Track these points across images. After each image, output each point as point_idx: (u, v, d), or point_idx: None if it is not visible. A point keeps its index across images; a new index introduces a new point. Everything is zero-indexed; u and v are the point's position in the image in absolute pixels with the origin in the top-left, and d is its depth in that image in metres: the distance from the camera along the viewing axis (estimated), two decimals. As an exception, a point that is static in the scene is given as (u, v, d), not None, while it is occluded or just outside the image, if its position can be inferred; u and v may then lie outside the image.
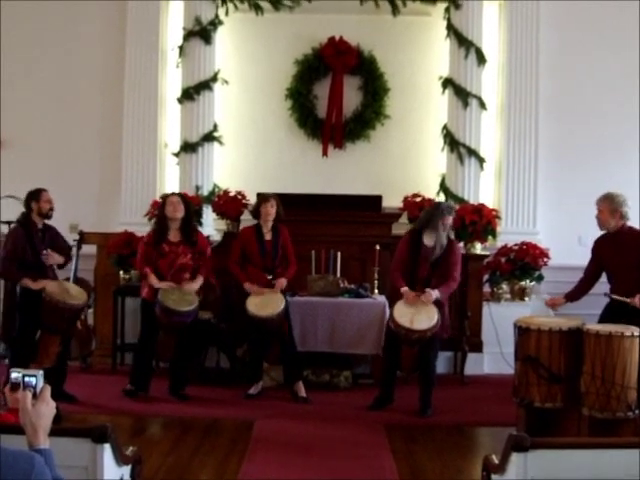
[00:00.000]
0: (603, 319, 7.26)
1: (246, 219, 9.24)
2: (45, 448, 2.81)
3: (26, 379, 2.90)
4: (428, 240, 7.85)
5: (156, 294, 7.96)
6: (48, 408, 2.87)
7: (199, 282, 8.15)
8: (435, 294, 7.68)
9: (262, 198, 8.42)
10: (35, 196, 7.82)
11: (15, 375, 2.93)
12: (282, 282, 8.27)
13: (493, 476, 3.84)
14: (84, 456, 3.50)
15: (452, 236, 8.11)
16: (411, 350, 7.77)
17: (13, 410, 2.91)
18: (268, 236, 8.35)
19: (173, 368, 8.37)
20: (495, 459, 3.82)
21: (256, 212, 8.44)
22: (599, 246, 7.54)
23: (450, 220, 7.95)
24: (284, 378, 8.57)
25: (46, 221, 7.91)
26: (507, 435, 3.61)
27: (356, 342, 8.71)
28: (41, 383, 2.91)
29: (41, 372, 2.94)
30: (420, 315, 7.56)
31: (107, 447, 3.53)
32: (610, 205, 7.29)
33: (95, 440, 3.49)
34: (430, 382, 7.83)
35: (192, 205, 8.63)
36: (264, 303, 8.08)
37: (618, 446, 3.61)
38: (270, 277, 8.28)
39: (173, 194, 8.43)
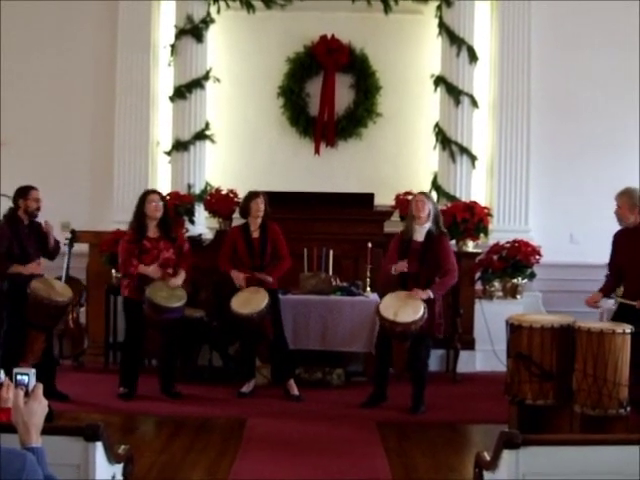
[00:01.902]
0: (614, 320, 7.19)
1: (238, 217, 9.23)
2: (37, 446, 2.82)
3: (18, 377, 2.90)
4: (417, 235, 7.86)
5: (140, 292, 7.93)
6: (40, 406, 2.87)
7: (182, 277, 8.12)
8: (425, 294, 7.65)
9: (251, 195, 8.39)
10: (23, 193, 7.80)
11: (2, 375, 2.94)
12: (265, 277, 8.23)
13: (485, 473, 3.85)
14: (76, 454, 3.49)
15: (444, 231, 8.06)
16: (403, 348, 7.76)
17: (5, 410, 2.91)
18: (255, 234, 8.31)
19: (162, 366, 8.36)
20: (487, 456, 3.82)
21: (245, 210, 8.39)
22: (617, 240, 7.50)
23: (423, 198, 7.93)
24: (273, 376, 8.58)
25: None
26: (499, 432, 3.61)
27: (348, 340, 8.71)
28: (33, 381, 2.92)
29: (33, 370, 2.95)
30: (405, 308, 7.54)
31: (99, 445, 3.52)
32: (629, 200, 7.24)
33: (87, 438, 3.48)
34: (422, 380, 7.83)
35: (169, 203, 8.62)
36: (247, 301, 8.06)
37: (609, 443, 3.62)
38: (257, 276, 8.25)
39: (153, 192, 8.37)
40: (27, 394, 2.88)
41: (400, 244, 7.93)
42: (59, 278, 8.43)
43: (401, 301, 7.63)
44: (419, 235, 7.86)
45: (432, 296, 7.67)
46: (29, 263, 7.75)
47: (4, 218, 7.89)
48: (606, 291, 7.66)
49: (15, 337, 7.60)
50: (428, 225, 7.87)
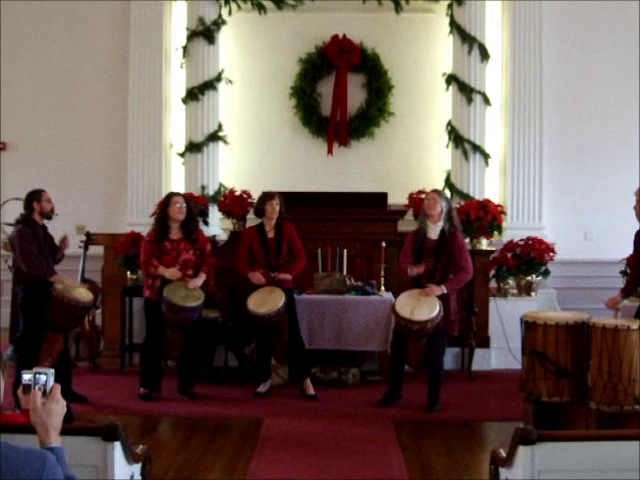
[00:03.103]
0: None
1: (252, 218, 9.26)
2: (57, 446, 2.84)
3: (37, 376, 2.92)
4: (431, 233, 7.87)
5: (160, 293, 7.99)
6: (58, 406, 2.89)
7: (202, 278, 8.16)
8: (439, 290, 7.68)
9: (266, 196, 8.42)
10: (36, 196, 7.82)
11: (27, 377, 2.95)
12: (283, 275, 8.26)
13: (501, 469, 3.86)
14: (95, 455, 3.51)
15: (459, 228, 8.06)
16: (419, 346, 7.77)
17: (26, 411, 2.94)
18: (271, 234, 8.35)
19: (181, 367, 8.39)
20: (502, 453, 3.83)
21: (260, 210, 8.44)
22: (638, 238, 7.41)
23: (436, 196, 7.92)
24: (289, 376, 8.60)
25: (46, 221, 7.92)
26: (514, 429, 3.62)
27: (363, 339, 8.71)
28: (51, 381, 2.93)
29: (52, 370, 2.97)
30: (421, 306, 7.55)
31: (117, 445, 3.54)
32: None
33: (105, 438, 3.51)
34: (438, 378, 7.83)
35: (193, 205, 8.62)
36: (263, 300, 8.09)
37: (624, 438, 3.62)
38: (274, 276, 8.28)
39: (177, 194, 8.42)
40: (45, 394, 2.90)
41: (414, 242, 7.93)
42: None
43: (417, 299, 7.63)
44: (433, 233, 7.86)
45: (445, 291, 7.67)
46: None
47: (21, 223, 7.84)
48: (627, 291, 7.59)
49: (32, 339, 7.64)
50: (441, 223, 7.87)
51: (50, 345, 7.64)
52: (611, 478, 3.50)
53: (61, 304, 7.57)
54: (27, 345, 7.68)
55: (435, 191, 8.18)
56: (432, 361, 7.84)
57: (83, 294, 7.84)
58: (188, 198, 8.56)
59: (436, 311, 7.52)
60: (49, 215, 7.87)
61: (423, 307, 7.56)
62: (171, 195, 8.38)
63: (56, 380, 3.03)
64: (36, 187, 7.96)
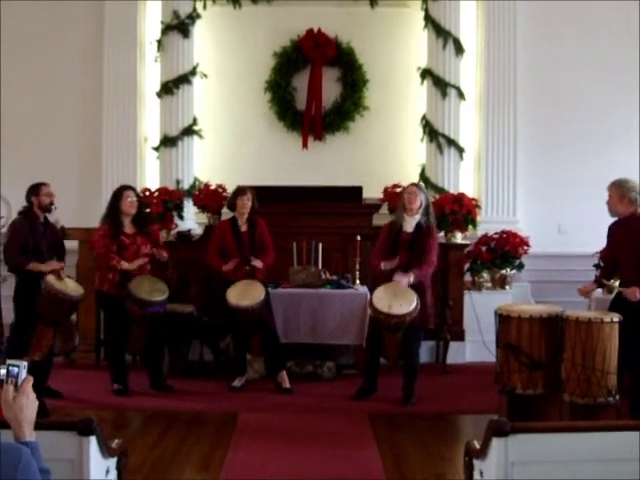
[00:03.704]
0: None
1: (227, 212, 9.25)
2: (31, 441, 2.83)
3: (10, 368, 2.90)
4: (407, 226, 7.89)
5: (120, 288, 7.97)
6: (29, 401, 2.87)
7: (165, 253, 8.25)
8: (406, 277, 7.67)
9: (238, 191, 8.44)
10: (35, 190, 7.89)
11: (1, 372, 2.94)
12: (257, 261, 8.27)
13: (475, 461, 3.88)
14: (70, 449, 3.51)
15: (434, 223, 8.09)
16: (394, 339, 7.79)
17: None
18: (244, 228, 8.39)
19: (149, 362, 8.38)
20: (477, 444, 3.86)
21: (232, 204, 8.46)
22: (612, 231, 7.45)
23: (415, 189, 7.96)
24: (266, 369, 8.60)
25: (47, 215, 7.99)
26: (488, 421, 3.65)
27: (339, 333, 8.73)
28: (24, 374, 2.91)
29: (25, 363, 2.94)
30: (398, 300, 7.57)
31: (93, 439, 3.54)
32: (619, 191, 7.20)
33: (81, 433, 3.51)
34: (413, 371, 7.87)
35: (142, 199, 8.65)
36: (244, 293, 8.10)
37: (597, 429, 3.66)
38: (248, 268, 8.28)
39: (128, 188, 8.32)
40: (16, 387, 2.88)
41: (389, 234, 7.96)
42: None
43: (393, 293, 7.65)
44: (409, 226, 7.89)
45: (412, 280, 7.68)
46: (42, 260, 7.80)
47: (20, 214, 7.95)
48: (600, 282, 7.67)
49: (22, 332, 7.65)
50: (418, 217, 7.90)
51: (39, 339, 7.64)
52: (584, 469, 3.54)
53: (50, 297, 7.58)
54: (16, 338, 7.71)
55: (415, 185, 8.21)
56: (408, 354, 7.87)
57: (72, 288, 7.83)
58: (138, 192, 8.54)
59: (414, 304, 7.55)
60: (48, 208, 7.91)
61: (401, 301, 7.58)
62: (122, 189, 8.28)
63: (37, 375, 3.02)
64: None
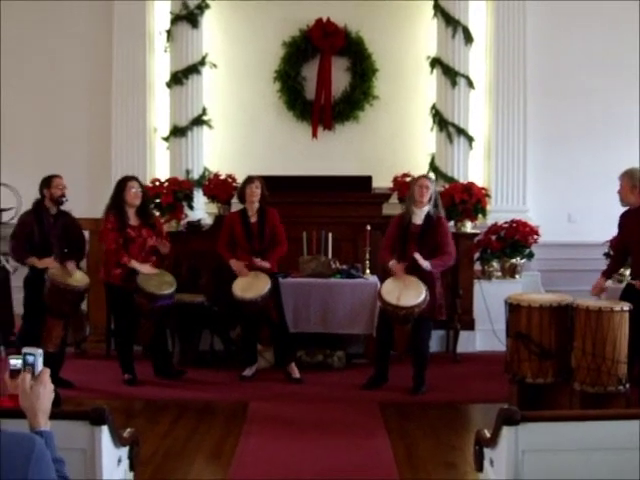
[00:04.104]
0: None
1: (237, 202, 9.27)
2: (46, 430, 2.84)
3: (26, 357, 2.92)
4: (416, 218, 7.89)
5: (127, 280, 7.98)
6: (46, 390, 2.89)
7: (167, 245, 8.21)
8: (425, 263, 7.68)
9: (246, 180, 8.43)
10: (47, 183, 7.94)
11: (14, 362, 2.95)
12: (262, 263, 8.26)
13: (485, 450, 3.90)
14: (82, 438, 3.53)
15: (442, 213, 8.09)
16: (404, 330, 7.79)
17: (13, 396, 2.94)
18: (253, 219, 8.35)
19: (156, 352, 8.40)
20: (487, 433, 3.87)
21: (241, 194, 8.44)
22: (623, 221, 7.45)
23: (427, 182, 7.92)
24: (275, 360, 8.62)
25: (61, 207, 8.02)
26: (498, 410, 3.66)
27: (349, 322, 8.74)
28: (40, 362, 2.92)
29: (40, 351, 2.95)
30: (407, 291, 7.59)
31: (105, 429, 3.56)
32: (630, 181, 7.19)
33: (93, 422, 3.53)
34: (424, 361, 7.88)
35: (146, 190, 8.62)
36: (249, 285, 8.11)
37: (607, 418, 3.67)
38: (255, 261, 8.28)
39: (132, 178, 8.27)
40: (33, 375, 2.90)
41: (399, 227, 7.95)
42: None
43: (403, 284, 7.65)
44: (418, 218, 7.89)
45: (429, 268, 7.69)
46: (50, 253, 7.84)
47: (32, 207, 8.01)
48: (609, 273, 7.65)
49: (32, 324, 7.70)
50: (427, 208, 7.90)
51: (49, 331, 7.69)
52: (594, 457, 3.55)
53: (55, 289, 7.63)
54: (26, 330, 7.79)
55: (426, 177, 8.18)
56: (418, 345, 7.87)
57: (78, 279, 7.85)
58: (142, 183, 8.48)
59: (422, 296, 7.55)
60: (60, 200, 7.95)
61: (410, 292, 7.58)
62: (126, 179, 8.24)
63: (50, 365, 3.04)
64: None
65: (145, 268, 8.02)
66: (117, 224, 8.05)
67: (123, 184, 8.16)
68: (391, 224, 8.12)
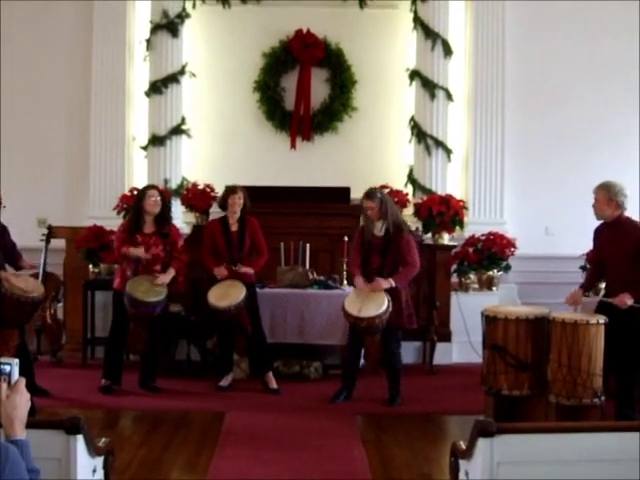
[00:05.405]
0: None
1: (215, 212, 9.26)
2: (22, 439, 2.83)
3: (1, 367, 2.90)
4: (376, 230, 7.90)
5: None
6: (23, 399, 2.88)
7: (171, 274, 8.15)
8: (386, 283, 7.71)
9: (229, 190, 8.44)
10: None
11: None
12: (244, 269, 8.27)
13: (461, 461, 3.90)
14: (57, 448, 3.51)
15: (404, 225, 8.03)
16: (374, 341, 7.81)
17: None
18: (234, 227, 8.36)
19: (144, 361, 8.38)
20: (463, 445, 3.88)
21: (223, 203, 8.45)
22: (597, 235, 7.39)
23: (370, 204, 7.86)
24: (251, 370, 8.61)
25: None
26: (474, 421, 3.67)
27: (326, 333, 8.75)
28: (16, 372, 2.91)
29: (16, 360, 2.94)
30: (368, 303, 7.60)
31: (80, 438, 3.54)
32: (606, 194, 7.10)
33: (68, 432, 3.51)
34: (396, 372, 7.90)
35: (167, 199, 8.61)
36: (224, 294, 8.11)
37: (582, 430, 3.68)
38: (236, 268, 8.28)
39: (153, 187, 8.41)
40: (9, 385, 2.89)
41: (362, 239, 7.98)
42: (36, 275, 8.46)
43: (365, 296, 7.68)
44: (377, 230, 7.91)
45: (394, 285, 7.72)
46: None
47: None
48: (587, 287, 7.63)
49: None
50: (382, 222, 7.89)
51: (4, 341, 7.59)
52: (570, 470, 3.56)
53: (11, 301, 7.50)
54: None
55: (367, 197, 7.96)
56: (388, 356, 7.92)
57: (33, 289, 7.75)
58: (162, 192, 8.51)
59: (383, 307, 7.57)
60: None
61: (371, 304, 7.60)
62: (147, 188, 8.40)
63: (22, 374, 3.03)
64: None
65: (138, 252, 8.04)
66: (128, 228, 8.18)
67: (143, 193, 8.28)
68: (355, 237, 8.13)
